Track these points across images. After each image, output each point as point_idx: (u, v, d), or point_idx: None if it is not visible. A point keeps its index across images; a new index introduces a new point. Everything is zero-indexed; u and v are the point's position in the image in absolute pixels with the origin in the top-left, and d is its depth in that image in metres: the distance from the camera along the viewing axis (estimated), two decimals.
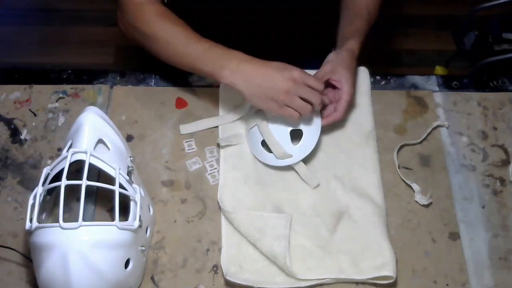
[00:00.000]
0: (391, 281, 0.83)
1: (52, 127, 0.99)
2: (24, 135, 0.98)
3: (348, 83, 0.90)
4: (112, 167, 0.76)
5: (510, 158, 0.98)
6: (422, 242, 0.89)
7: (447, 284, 0.85)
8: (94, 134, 0.78)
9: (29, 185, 0.92)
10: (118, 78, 1.05)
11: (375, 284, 0.84)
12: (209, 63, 0.87)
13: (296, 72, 0.84)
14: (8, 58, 2.09)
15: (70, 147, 0.78)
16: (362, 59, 1.00)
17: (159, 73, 1.06)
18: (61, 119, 0.99)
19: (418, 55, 2.12)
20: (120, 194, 0.74)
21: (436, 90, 1.05)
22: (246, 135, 0.96)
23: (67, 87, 1.03)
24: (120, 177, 0.76)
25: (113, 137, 0.82)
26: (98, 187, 0.78)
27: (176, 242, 0.88)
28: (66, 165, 0.73)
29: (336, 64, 0.91)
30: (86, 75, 1.05)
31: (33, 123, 0.99)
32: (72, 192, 0.85)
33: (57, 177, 0.74)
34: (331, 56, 0.93)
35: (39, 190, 0.74)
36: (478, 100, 1.04)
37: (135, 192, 0.79)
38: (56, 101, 1.01)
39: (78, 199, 0.71)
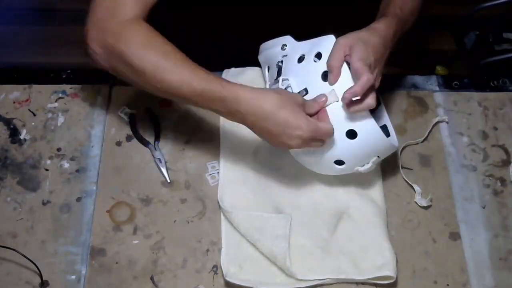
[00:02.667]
0: (391, 281, 0.83)
1: (52, 127, 0.98)
2: (23, 135, 0.97)
3: (360, 63, 0.75)
4: None
5: (510, 158, 0.97)
6: (422, 242, 0.88)
7: (448, 284, 0.85)
8: None
9: (29, 185, 0.92)
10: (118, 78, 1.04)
11: (375, 285, 0.84)
12: (208, 105, 0.78)
13: (299, 132, 0.75)
14: (8, 58, 2.08)
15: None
16: None
17: None
18: (61, 119, 0.99)
19: (418, 55, 2.12)
20: None
21: (436, 90, 1.05)
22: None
23: (67, 87, 1.03)
24: None
25: None
26: None
27: (175, 243, 0.88)
28: None
29: (349, 43, 0.77)
30: (85, 75, 1.04)
31: (33, 123, 0.99)
32: None
33: None
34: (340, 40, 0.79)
35: None
36: (478, 100, 1.03)
37: None
38: (56, 101, 1.01)
39: None
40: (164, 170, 0.93)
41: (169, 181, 0.92)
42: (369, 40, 0.78)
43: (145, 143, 0.96)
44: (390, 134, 0.90)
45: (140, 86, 0.80)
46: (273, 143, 0.79)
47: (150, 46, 0.77)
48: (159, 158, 0.94)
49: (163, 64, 0.76)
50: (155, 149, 0.95)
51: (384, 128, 0.89)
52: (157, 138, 0.96)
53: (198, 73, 0.76)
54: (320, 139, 0.78)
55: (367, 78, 0.74)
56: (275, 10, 1.07)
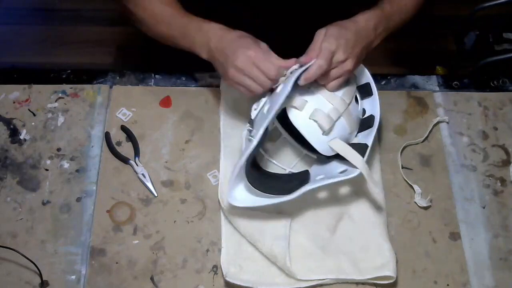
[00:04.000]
0: (391, 281, 0.83)
1: (52, 127, 0.98)
2: (23, 135, 0.97)
3: (320, 36, 0.80)
4: None
5: (510, 158, 0.97)
6: (422, 242, 0.88)
7: (448, 284, 0.85)
8: None
9: (28, 185, 0.92)
10: (118, 78, 1.04)
11: (375, 285, 0.84)
12: (187, 39, 0.87)
13: (251, 52, 0.79)
14: (8, 58, 2.08)
15: None
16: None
17: (159, 73, 1.05)
18: (61, 119, 0.99)
19: (418, 55, 2.12)
20: None
21: (436, 90, 1.05)
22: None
23: (67, 87, 1.03)
24: None
25: None
26: None
27: (175, 243, 0.88)
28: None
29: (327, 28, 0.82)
30: (85, 75, 1.05)
31: (33, 123, 0.99)
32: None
33: None
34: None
35: None
36: (478, 100, 1.03)
37: None
38: (56, 101, 1.01)
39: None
40: (149, 185, 0.92)
41: (156, 195, 0.91)
42: (345, 26, 0.82)
43: (124, 160, 0.95)
44: (373, 93, 0.90)
45: (154, 37, 0.94)
46: (225, 66, 0.82)
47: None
48: (142, 174, 0.93)
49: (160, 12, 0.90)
50: (137, 165, 0.94)
51: (366, 86, 0.90)
52: (136, 154, 0.95)
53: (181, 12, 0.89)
54: (262, 69, 0.79)
55: (318, 65, 0.78)
56: (275, 10, 1.07)
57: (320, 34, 0.81)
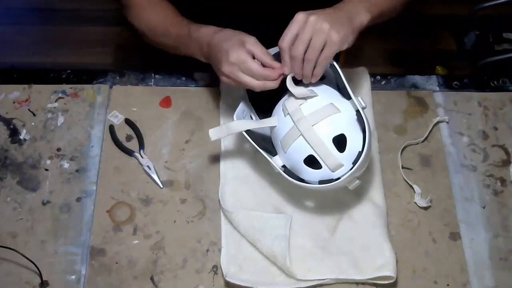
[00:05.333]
0: (391, 281, 0.83)
1: (52, 127, 0.98)
2: (23, 135, 0.97)
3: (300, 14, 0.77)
4: None
5: (510, 158, 0.97)
6: (422, 242, 0.88)
7: (448, 285, 0.85)
8: None
9: (28, 185, 0.92)
10: (118, 78, 1.04)
11: (375, 285, 0.84)
12: (183, 48, 0.91)
13: (243, 47, 0.79)
14: (7, 58, 2.08)
15: None
16: (362, 59, 1.00)
17: (159, 73, 1.05)
18: (60, 119, 0.99)
19: (418, 55, 2.12)
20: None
21: (436, 90, 1.05)
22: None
23: (67, 87, 1.03)
24: None
25: None
26: None
27: (175, 243, 0.88)
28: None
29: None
30: (85, 75, 1.05)
31: (32, 123, 0.99)
32: None
33: None
34: None
35: None
36: (478, 100, 1.03)
37: None
38: (56, 101, 1.01)
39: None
40: (155, 177, 0.93)
41: (161, 186, 0.92)
42: (326, 11, 0.79)
43: (129, 152, 0.95)
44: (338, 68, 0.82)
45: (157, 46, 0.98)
46: (217, 68, 0.83)
47: (146, 10, 0.96)
48: (147, 166, 0.93)
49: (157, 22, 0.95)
50: (142, 157, 0.94)
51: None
52: (141, 147, 0.95)
53: (174, 22, 0.92)
54: (250, 70, 0.79)
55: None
56: (276, 10, 1.07)
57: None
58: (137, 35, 0.99)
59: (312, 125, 0.78)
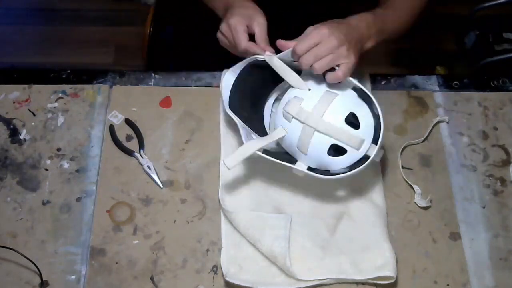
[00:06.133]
0: (391, 281, 0.83)
1: (52, 127, 0.98)
2: (23, 135, 0.97)
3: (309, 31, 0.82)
4: None
5: (510, 158, 0.97)
6: (422, 242, 0.88)
7: (448, 285, 0.85)
8: None
9: (28, 185, 0.92)
10: (118, 78, 1.04)
11: (375, 285, 0.84)
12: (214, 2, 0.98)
13: (234, 21, 0.87)
14: (8, 58, 2.08)
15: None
16: (362, 59, 1.00)
17: (159, 73, 1.05)
18: (60, 119, 0.99)
19: (418, 55, 2.12)
20: None
21: (436, 90, 1.05)
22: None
23: (67, 87, 1.03)
24: None
25: None
26: None
27: (175, 243, 0.88)
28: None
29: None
30: (85, 75, 1.05)
31: (32, 123, 0.99)
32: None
33: None
34: None
35: None
36: (478, 100, 1.03)
37: None
38: (56, 101, 1.01)
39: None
40: (155, 176, 0.93)
41: (161, 186, 0.92)
42: (337, 22, 0.84)
43: (129, 152, 0.95)
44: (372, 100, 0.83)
45: None
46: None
47: None
48: (147, 166, 0.94)
49: None
50: (142, 157, 0.94)
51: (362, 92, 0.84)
52: (141, 147, 0.96)
53: None
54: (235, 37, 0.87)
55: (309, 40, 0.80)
56: (277, 10, 1.07)
57: (310, 27, 0.82)
58: None
59: (321, 117, 0.79)
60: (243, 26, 0.87)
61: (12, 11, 2.28)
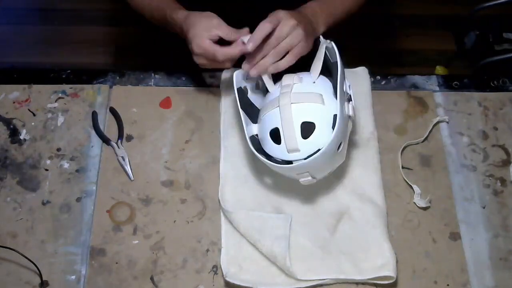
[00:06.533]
0: (391, 281, 0.83)
1: (52, 127, 0.98)
2: (23, 135, 0.97)
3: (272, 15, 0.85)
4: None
5: (510, 158, 0.97)
6: (422, 242, 0.88)
7: (448, 285, 0.85)
8: None
9: (28, 185, 0.92)
10: (118, 78, 1.04)
11: (375, 285, 0.84)
12: (174, 30, 0.94)
13: (198, 47, 0.86)
14: (7, 58, 2.08)
15: None
16: (362, 59, 1.00)
17: (159, 73, 1.05)
18: (60, 119, 0.99)
19: (418, 55, 2.12)
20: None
21: (436, 90, 1.05)
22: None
23: (67, 87, 1.03)
24: None
25: None
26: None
27: (175, 243, 0.88)
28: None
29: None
30: (85, 75, 1.05)
31: (32, 123, 0.99)
32: None
33: None
34: None
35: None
36: (478, 100, 1.03)
37: None
38: (56, 101, 1.01)
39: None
40: (127, 168, 0.93)
41: (132, 179, 0.93)
42: (300, 16, 0.88)
43: (106, 140, 0.96)
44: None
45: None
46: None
47: None
48: (122, 156, 0.94)
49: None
50: (118, 147, 0.95)
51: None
52: (120, 136, 0.96)
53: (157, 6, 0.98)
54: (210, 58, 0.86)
55: (263, 26, 0.83)
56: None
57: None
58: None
59: (291, 103, 0.82)
60: (207, 40, 0.85)
61: (12, 11, 2.28)
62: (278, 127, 0.82)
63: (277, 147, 0.83)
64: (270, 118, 0.84)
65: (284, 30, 0.83)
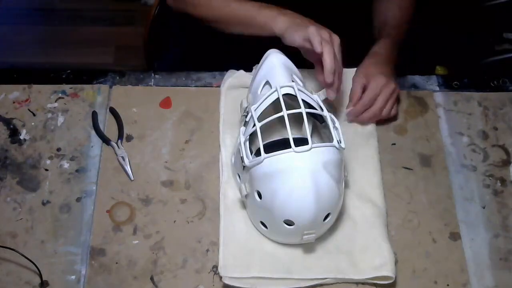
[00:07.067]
0: (390, 281, 0.83)
1: (51, 127, 0.98)
2: (23, 135, 0.97)
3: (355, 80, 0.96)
4: (313, 98, 0.84)
5: (510, 158, 0.97)
6: (422, 242, 0.88)
7: (448, 285, 0.85)
8: (287, 71, 0.86)
9: (28, 185, 0.92)
10: (118, 78, 1.04)
11: (375, 285, 0.84)
12: (262, 16, 0.94)
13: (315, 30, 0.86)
14: (7, 58, 2.08)
15: (265, 85, 0.86)
16: (362, 59, 1.00)
17: (159, 73, 1.05)
18: (60, 119, 0.99)
19: (418, 55, 2.12)
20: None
21: (436, 90, 1.05)
22: None
23: (66, 87, 1.03)
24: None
25: (297, 73, 0.89)
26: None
27: (175, 243, 0.88)
28: (280, 98, 0.80)
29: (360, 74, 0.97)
30: (85, 75, 1.05)
31: (32, 123, 0.99)
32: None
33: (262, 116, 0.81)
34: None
35: (257, 125, 0.79)
36: (478, 100, 1.03)
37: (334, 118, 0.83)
38: (55, 101, 1.01)
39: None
40: (127, 168, 0.93)
41: (132, 179, 0.92)
42: (366, 63, 0.98)
43: (106, 140, 0.96)
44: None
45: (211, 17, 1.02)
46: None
47: None
48: (122, 156, 0.94)
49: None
50: (118, 147, 0.95)
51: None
52: (120, 136, 0.96)
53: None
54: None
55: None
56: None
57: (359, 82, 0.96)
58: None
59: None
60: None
61: (12, 11, 2.28)
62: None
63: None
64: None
65: (377, 93, 0.95)
